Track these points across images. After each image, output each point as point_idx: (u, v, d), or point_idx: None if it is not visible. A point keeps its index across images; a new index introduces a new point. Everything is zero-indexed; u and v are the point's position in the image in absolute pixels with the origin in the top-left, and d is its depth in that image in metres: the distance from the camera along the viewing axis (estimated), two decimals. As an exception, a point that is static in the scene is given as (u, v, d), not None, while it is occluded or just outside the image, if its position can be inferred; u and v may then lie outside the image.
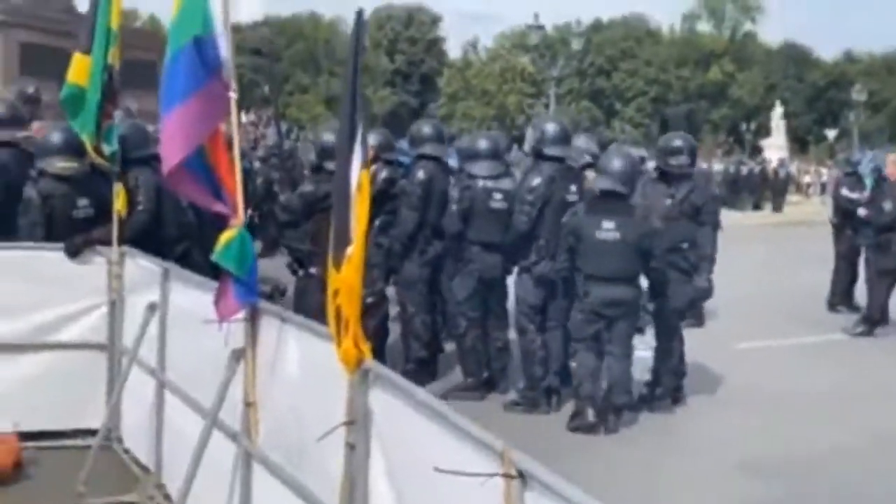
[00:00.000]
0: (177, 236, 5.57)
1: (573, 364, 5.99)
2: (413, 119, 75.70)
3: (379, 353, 7.09)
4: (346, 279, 2.78)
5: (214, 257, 3.45)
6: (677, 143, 6.79)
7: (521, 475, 1.97)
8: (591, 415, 5.89)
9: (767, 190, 31.60)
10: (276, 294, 5.82)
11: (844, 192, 10.59)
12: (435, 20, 77.34)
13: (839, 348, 9.13)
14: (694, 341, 7.03)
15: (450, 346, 7.36)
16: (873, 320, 9.77)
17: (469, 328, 6.57)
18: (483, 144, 6.69)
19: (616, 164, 5.98)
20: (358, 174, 2.76)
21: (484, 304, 6.62)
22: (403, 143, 8.86)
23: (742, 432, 6.13)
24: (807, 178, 41.45)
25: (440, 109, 74.44)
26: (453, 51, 79.32)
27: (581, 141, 7.58)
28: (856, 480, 5.36)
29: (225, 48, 3.44)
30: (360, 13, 2.74)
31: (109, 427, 5.00)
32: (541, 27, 31.96)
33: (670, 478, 5.28)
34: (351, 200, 2.78)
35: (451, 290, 6.76)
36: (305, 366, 3.24)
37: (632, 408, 6.20)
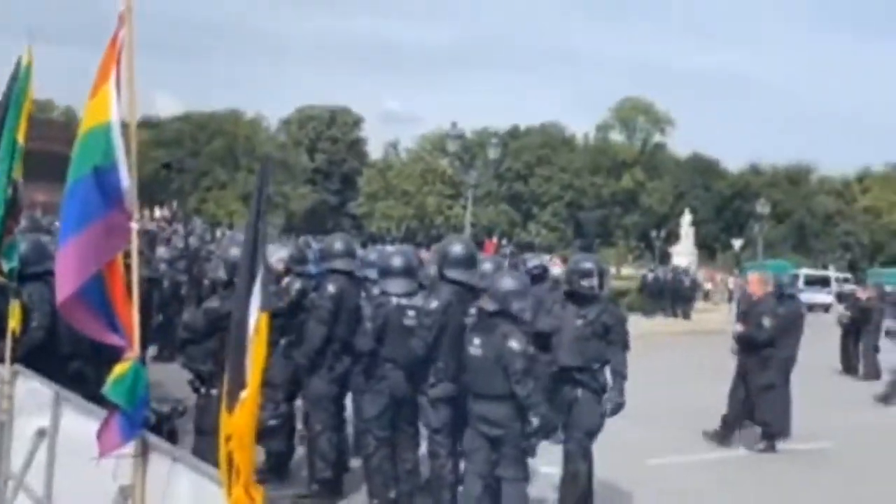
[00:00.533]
0: (70, 353, 5.39)
1: (460, 488, 5.87)
2: (332, 217, 75.87)
3: (283, 473, 6.97)
4: (238, 424, 2.71)
5: (105, 391, 3.33)
6: (587, 265, 6.89)
7: None
8: None
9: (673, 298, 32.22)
10: (175, 414, 5.63)
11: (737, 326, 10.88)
12: (357, 121, 78.62)
13: (744, 465, 9.25)
14: (605, 455, 7.02)
15: (356, 464, 7.20)
16: (772, 435, 9.99)
17: (378, 448, 6.45)
18: (396, 262, 6.68)
19: (506, 283, 6.02)
20: (256, 317, 2.72)
21: (393, 423, 6.53)
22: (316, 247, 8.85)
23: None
24: (709, 286, 42.64)
25: (360, 208, 74.98)
26: (374, 151, 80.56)
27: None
28: None
29: (126, 179, 3.40)
30: (267, 160, 2.75)
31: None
32: (460, 136, 32.69)
33: None
34: (247, 343, 2.73)
35: (359, 408, 6.65)
36: (196, 508, 3.12)
37: None
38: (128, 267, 3.60)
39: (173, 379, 8.42)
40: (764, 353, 9.94)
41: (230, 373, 2.79)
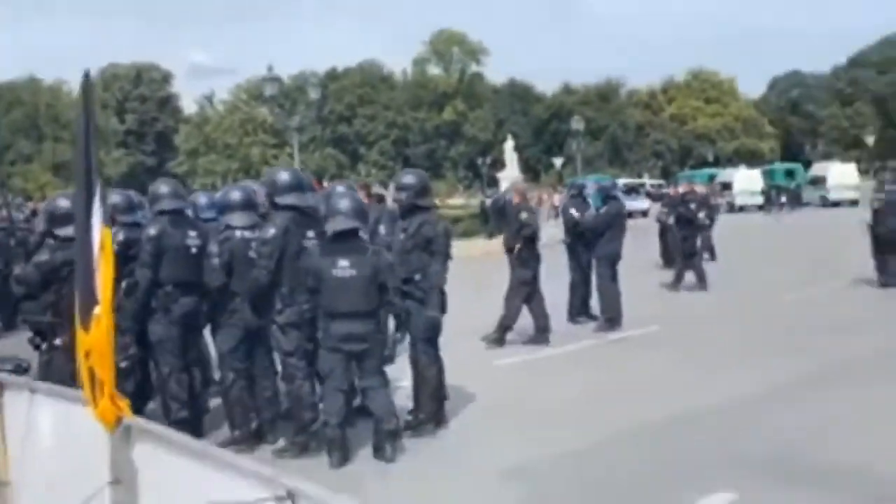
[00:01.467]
0: None
1: (321, 406, 6.07)
2: (151, 179, 73.06)
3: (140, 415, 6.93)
4: (96, 339, 2.77)
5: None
6: (405, 179, 7.16)
7: (291, 495, 2.08)
8: (335, 460, 6.03)
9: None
10: (18, 371, 5.49)
11: (572, 212, 11.55)
12: (166, 77, 75.60)
13: (585, 355, 9.87)
14: (454, 360, 7.37)
15: (215, 403, 7.25)
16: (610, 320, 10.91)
17: (235, 380, 6.53)
18: (236, 196, 6.74)
19: (344, 203, 6.20)
20: (100, 233, 2.77)
21: (249, 354, 6.60)
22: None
23: (500, 444, 6.51)
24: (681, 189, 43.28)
25: (180, 167, 72.53)
26: (189, 107, 77.77)
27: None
28: (597, 476, 5.85)
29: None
30: (86, 74, 2.77)
31: None
32: (276, 78, 32.07)
33: (444, 496, 5.51)
34: (94, 260, 2.78)
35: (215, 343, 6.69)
36: (62, 434, 3.16)
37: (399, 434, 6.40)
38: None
39: (13, 352, 8.16)
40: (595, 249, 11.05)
41: (80, 292, 2.83)
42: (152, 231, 6.59)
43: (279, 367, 6.75)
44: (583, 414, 7.27)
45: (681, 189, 17.33)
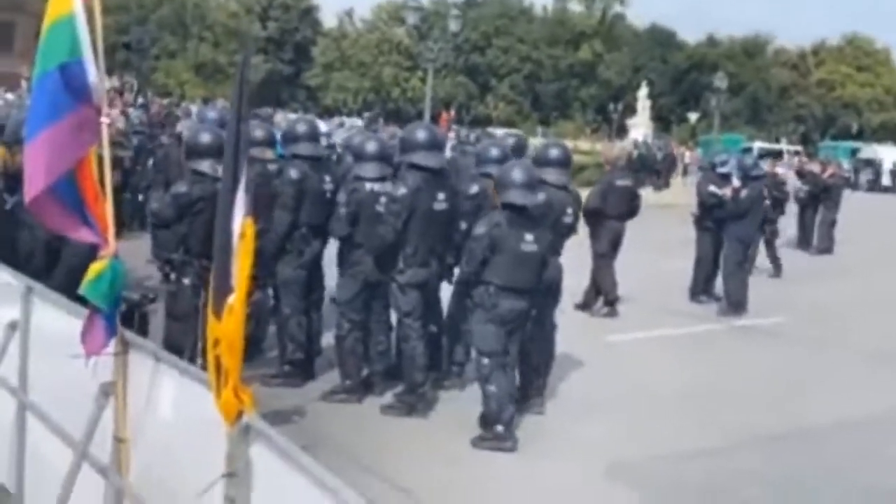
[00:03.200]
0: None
1: (490, 387, 5.83)
2: (286, 87, 73.95)
3: (255, 355, 7.02)
4: (226, 329, 2.68)
5: (82, 290, 3.27)
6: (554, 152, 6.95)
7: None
8: (513, 443, 5.87)
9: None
10: (145, 301, 5.58)
11: (712, 189, 11.03)
12: (309, -12, 75.96)
13: (706, 340, 9.51)
14: (564, 332, 7.17)
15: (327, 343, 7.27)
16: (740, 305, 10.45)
17: (350, 330, 6.50)
18: (371, 147, 6.60)
19: (519, 175, 5.94)
20: (241, 222, 2.66)
21: (367, 306, 6.56)
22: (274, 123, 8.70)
23: (609, 434, 6.29)
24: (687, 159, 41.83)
25: (315, 79, 73.38)
26: (328, 20, 78.23)
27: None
28: (720, 482, 5.60)
29: (94, 73, 3.24)
30: (245, 64, 2.62)
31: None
32: (419, 8, 31.76)
33: (541, 486, 5.36)
34: (233, 248, 2.68)
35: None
36: (181, 409, 3.12)
37: None
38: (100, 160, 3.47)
39: (142, 253, 8.34)
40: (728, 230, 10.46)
41: (216, 278, 2.75)
42: (293, 174, 6.56)
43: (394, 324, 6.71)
44: (702, 410, 6.97)
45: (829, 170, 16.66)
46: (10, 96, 19.51)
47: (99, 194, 3.37)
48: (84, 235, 3.39)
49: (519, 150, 8.01)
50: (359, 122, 36.71)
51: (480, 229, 5.87)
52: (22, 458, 4.40)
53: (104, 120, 3.30)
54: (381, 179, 6.45)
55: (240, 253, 2.66)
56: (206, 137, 5.94)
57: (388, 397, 6.57)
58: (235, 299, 2.67)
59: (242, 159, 2.67)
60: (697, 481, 5.62)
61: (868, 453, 6.26)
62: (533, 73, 73.09)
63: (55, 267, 5.60)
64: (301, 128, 6.99)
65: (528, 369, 6.60)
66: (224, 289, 2.70)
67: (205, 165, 5.77)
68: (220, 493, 2.75)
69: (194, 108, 20.24)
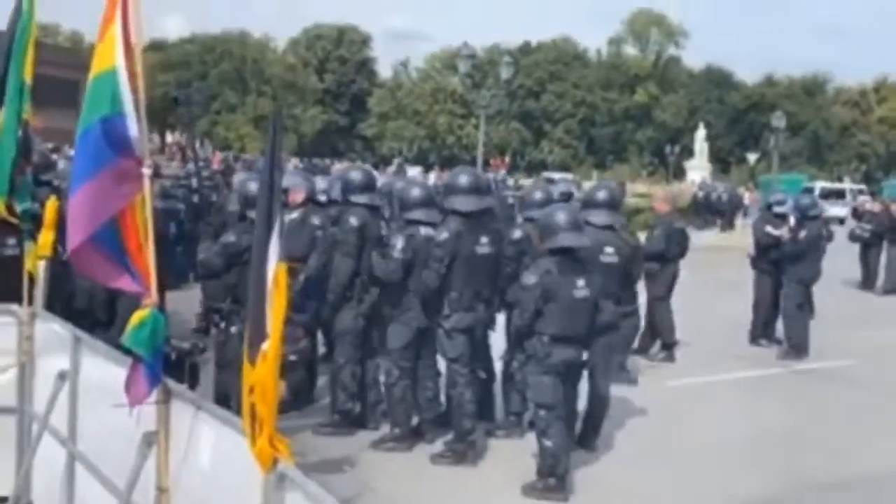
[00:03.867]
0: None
1: (547, 442, 5.71)
2: (342, 138, 75.02)
3: (306, 403, 7.02)
4: (261, 376, 2.67)
5: (124, 340, 3.30)
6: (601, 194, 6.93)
7: None
8: (553, 484, 5.76)
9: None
10: (195, 350, 5.62)
11: (769, 230, 10.82)
12: (365, 40, 77.48)
13: (764, 385, 9.26)
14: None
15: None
16: (797, 350, 10.17)
17: (400, 378, 6.45)
18: (417, 192, 6.63)
19: (563, 217, 5.87)
20: (275, 268, 2.66)
21: (417, 354, 6.53)
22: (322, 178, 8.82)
23: (664, 483, 6.12)
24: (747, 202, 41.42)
25: (371, 129, 74.45)
26: (384, 71, 79.52)
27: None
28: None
29: (135, 127, 3.31)
30: (277, 114, 2.65)
31: (19, 495, 4.78)
32: (471, 55, 32.03)
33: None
34: (267, 294, 2.68)
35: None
36: (219, 457, 3.12)
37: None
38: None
39: (191, 306, 8.46)
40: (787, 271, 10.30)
41: (251, 325, 2.75)
42: (354, 222, 6.58)
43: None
44: (761, 456, 6.75)
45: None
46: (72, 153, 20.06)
47: (142, 244, 3.41)
48: (126, 284, 3.43)
49: (567, 197, 8.00)
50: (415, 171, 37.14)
51: (531, 279, 5.72)
52: (72, 507, 4.43)
53: (146, 171, 3.35)
54: (434, 225, 6.46)
55: (274, 299, 2.66)
56: (256, 187, 6.02)
57: (439, 445, 6.51)
58: (269, 346, 2.66)
59: (276, 206, 2.69)
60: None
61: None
62: (587, 117, 73.18)
63: (111, 320, 5.69)
64: (358, 176, 6.99)
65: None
66: (259, 335, 2.69)
67: (255, 214, 5.83)
68: (256, 542, 2.72)
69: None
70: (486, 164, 34.36)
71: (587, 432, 6.71)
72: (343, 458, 6.23)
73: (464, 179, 6.50)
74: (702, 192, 34.63)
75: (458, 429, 6.33)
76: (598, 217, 6.83)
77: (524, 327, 5.77)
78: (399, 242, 6.34)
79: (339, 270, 6.58)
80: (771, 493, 6.02)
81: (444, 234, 6.20)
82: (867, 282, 16.92)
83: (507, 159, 55.86)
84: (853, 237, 17.21)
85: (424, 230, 6.39)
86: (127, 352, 3.50)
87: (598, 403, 6.72)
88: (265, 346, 2.68)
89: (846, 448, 7.07)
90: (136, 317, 3.32)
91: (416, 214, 6.47)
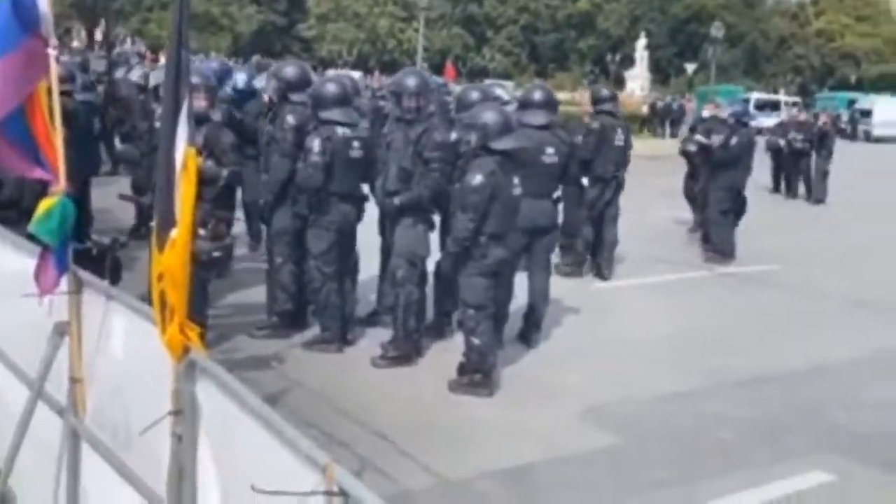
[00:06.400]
0: None
1: (475, 340, 5.77)
2: (279, 39, 72.67)
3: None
4: (169, 263, 2.61)
5: (31, 228, 3.20)
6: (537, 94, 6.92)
7: (344, 493, 1.90)
8: (478, 380, 5.85)
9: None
10: (116, 245, 5.48)
11: (697, 138, 10.96)
12: (302, -64, 74.71)
13: (690, 286, 9.48)
14: (553, 277, 7.17)
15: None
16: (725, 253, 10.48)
17: (325, 282, 6.41)
18: (332, 89, 6.41)
19: (502, 118, 5.85)
20: (183, 152, 2.58)
21: (340, 257, 6.48)
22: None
23: (586, 380, 6.26)
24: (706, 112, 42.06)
25: (309, 31, 72.53)
26: (323, -30, 76.96)
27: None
28: (696, 424, 5.60)
29: (44, 2, 3.14)
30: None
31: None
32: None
33: (515, 430, 5.34)
34: (175, 179, 2.60)
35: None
36: (132, 347, 3.06)
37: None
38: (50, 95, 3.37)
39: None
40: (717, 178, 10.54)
41: (159, 211, 2.67)
42: (292, 121, 6.45)
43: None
44: (681, 354, 6.96)
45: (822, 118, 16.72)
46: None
47: (49, 130, 3.27)
48: (36, 173, 3.31)
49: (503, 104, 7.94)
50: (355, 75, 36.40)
51: (478, 178, 5.62)
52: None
53: (51, 52, 3.20)
54: (351, 125, 6.36)
55: (182, 184, 2.58)
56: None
57: (368, 345, 6.55)
58: (179, 232, 2.60)
59: (183, 88, 2.59)
60: (673, 424, 5.62)
61: (843, 397, 6.27)
62: (530, 23, 72.23)
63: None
64: (331, 89, 6.50)
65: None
66: (167, 222, 2.62)
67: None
68: (169, 430, 2.71)
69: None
70: (435, 69, 33.74)
71: (528, 328, 6.86)
72: (273, 356, 6.25)
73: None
74: (660, 102, 35.43)
75: (405, 329, 6.33)
76: (536, 117, 6.82)
77: (474, 229, 5.64)
78: (315, 145, 6.19)
79: (277, 169, 6.46)
80: (691, 388, 6.21)
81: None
82: (792, 191, 17.36)
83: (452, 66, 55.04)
84: (769, 147, 17.47)
85: (342, 130, 6.27)
86: (39, 241, 3.40)
87: (539, 301, 6.85)
88: (174, 232, 2.61)
89: (763, 348, 7.30)
90: (43, 205, 3.21)
91: (333, 114, 6.30)
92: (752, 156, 10.86)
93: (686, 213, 12.36)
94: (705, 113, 12.87)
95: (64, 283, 3.34)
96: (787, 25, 74.02)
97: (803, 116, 19.06)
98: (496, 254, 5.75)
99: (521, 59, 72.63)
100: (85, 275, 3.36)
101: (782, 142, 17.10)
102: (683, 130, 31.24)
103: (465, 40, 71.75)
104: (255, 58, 24.11)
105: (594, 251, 9.31)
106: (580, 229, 8.96)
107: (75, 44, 40.50)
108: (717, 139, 10.83)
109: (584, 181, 8.85)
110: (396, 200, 6.20)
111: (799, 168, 17.35)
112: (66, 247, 3.23)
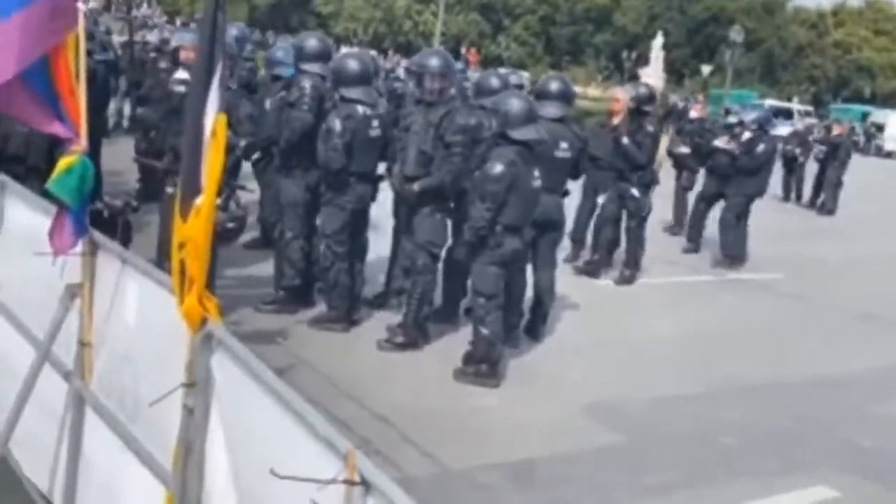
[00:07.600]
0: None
1: (483, 329, 5.71)
2: (296, 13, 72.46)
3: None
4: (193, 232, 2.54)
5: (49, 186, 3.12)
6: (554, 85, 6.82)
7: (365, 483, 1.84)
8: (485, 369, 5.79)
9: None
10: (127, 208, 5.42)
11: (717, 143, 10.84)
12: None
13: (695, 290, 9.41)
14: (558, 274, 7.08)
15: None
16: (736, 260, 10.38)
17: (335, 262, 6.32)
18: (355, 66, 6.27)
19: (525, 108, 5.75)
20: (213, 118, 2.50)
21: (352, 237, 6.39)
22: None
23: (591, 377, 6.21)
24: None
25: (326, 6, 72.16)
26: (343, -55, 76.45)
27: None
28: (698, 428, 5.55)
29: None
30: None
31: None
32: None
33: (516, 421, 5.29)
34: (203, 146, 2.52)
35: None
36: (145, 314, 3.00)
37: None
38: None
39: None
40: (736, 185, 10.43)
41: (184, 178, 2.60)
42: (308, 86, 6.32)
43: None
44: (686, 358, 6.90)
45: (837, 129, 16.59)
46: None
47: (74, 87, 3.19)
48: (56, 129, 3.23)
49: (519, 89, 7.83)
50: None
51: (498, 167, 5.55)
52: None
53: (80, 6, 3.11)
54: (371, 104, 6.24)
55: (210, 152, 2.51)
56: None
57: (375, 326, 6.48)
58: (204, 201, 2.53)
59: (218, 53, 2.50)
60: (675, 426, 5.57)
61: (846, 410, 6.23)
62: (548, 15, 71.86)
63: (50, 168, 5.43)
64: (353, 65, 6.36)
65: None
66: (192, 189, 2.55)
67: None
68: (179, 401, 2.64)
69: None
70: (457, 54, 33.49)
71: (535, 322, 6.79)
72: (278, 331, 6.18)
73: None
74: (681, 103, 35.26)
75: (415, 315, 6.26)
76: (551, 109, 6.68)
77: (492, 219, 5.56)
78: (336, 125, 6.07)
79: (292, 124, 6.29)
80: (697, 392, 6.16)
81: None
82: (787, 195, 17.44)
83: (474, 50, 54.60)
84: (785, 156, 17.34)
85: (362, 109, 6.17)
86: (54, 199, 3.33)
87: (545, 295, 6.78)
88: (198, 200, 2.54)
89: (770, 356, 7.24)
90: (64, 163, 3.14)
91: (353, 93, 6.17)
92: (774, 164, 10.82)
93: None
94: (693, 114, 12.85)
95: (79, 245, 3.26)
96: (806, 34, 73.63)
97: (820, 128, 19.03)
98: (511, 244, 5.68)
99: (537, 49, 72.28)
100: (100, 237, 3.29)
101: (798, 150, 17.01)
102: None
103: (482, 27, 71.39)
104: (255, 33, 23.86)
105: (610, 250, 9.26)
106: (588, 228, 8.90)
107: (92, 4, 40.28)
108: (720, 142, 10.71)
109: (634, 191, 8.67)
110: (416, 186, 6.07)
111: (803, 177, 17.43)
112: (85, 208, 3.15)
